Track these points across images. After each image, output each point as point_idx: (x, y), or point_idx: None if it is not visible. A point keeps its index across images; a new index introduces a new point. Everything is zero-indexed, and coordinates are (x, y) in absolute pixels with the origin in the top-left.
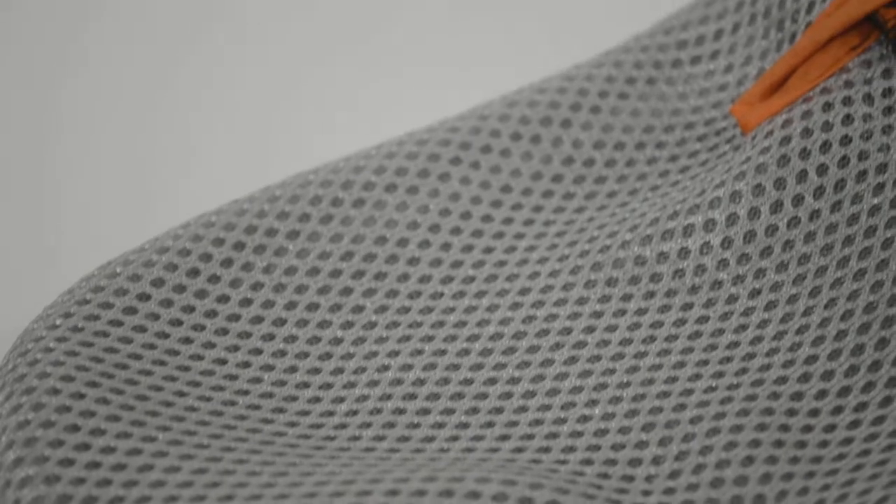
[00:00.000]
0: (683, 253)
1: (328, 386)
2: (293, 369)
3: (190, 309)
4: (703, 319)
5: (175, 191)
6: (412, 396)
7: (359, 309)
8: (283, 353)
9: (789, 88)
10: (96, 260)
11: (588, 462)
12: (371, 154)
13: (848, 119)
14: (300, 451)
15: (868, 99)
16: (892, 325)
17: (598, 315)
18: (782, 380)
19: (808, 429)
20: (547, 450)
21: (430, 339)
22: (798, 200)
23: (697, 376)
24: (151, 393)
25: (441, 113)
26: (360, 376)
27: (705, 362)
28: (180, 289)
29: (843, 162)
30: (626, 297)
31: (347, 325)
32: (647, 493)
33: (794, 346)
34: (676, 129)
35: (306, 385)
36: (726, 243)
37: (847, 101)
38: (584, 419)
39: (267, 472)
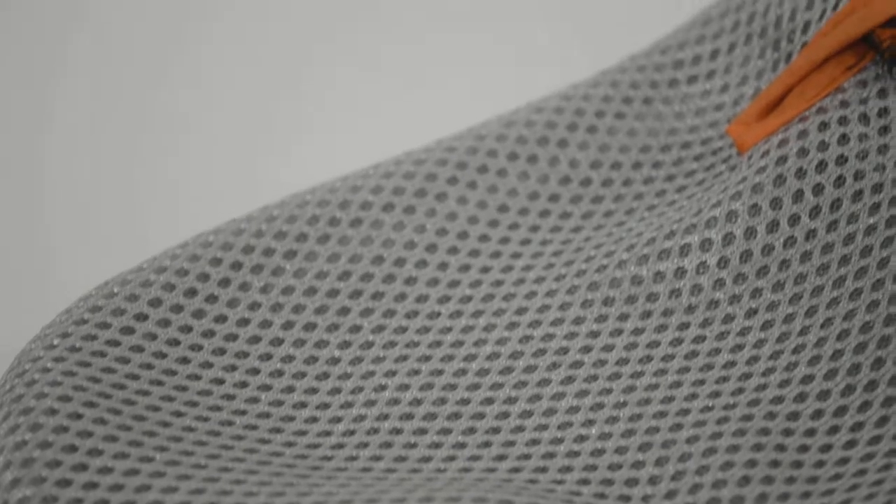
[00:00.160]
0: (680, 272)
1: (325, 406)
2: (290, 389)
3: (187, 329)
4: (699, 339)
5: (173, 208)
6: (409, 416)
7: (356, 329)
8: (280, 373)
9: (785, 108)
10: (94, 279)
11: (585, 482)
12: (368, 174)
13: (844, 138)
14: (297, 471)
15: (864, 118)
16: (888, 345)
17: (594, 335)
18: (778, 399)
19: (804, 448)
20: (544, 470)
21: (427, 358)
22: (794, 220)
23: (694, 396)
24: (149, 413)
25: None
26: (358, 396)
27: (702, 382)
28: (178, 308)
29: (840, 181)
30: (623, 317)
31: (345, 344)
32: None
33: (790, 365)
34: (673, 149)
35: (303, 405)
36: (723, 263)
37: (843, 121)
38: (581, 439)
39: (264, 492)
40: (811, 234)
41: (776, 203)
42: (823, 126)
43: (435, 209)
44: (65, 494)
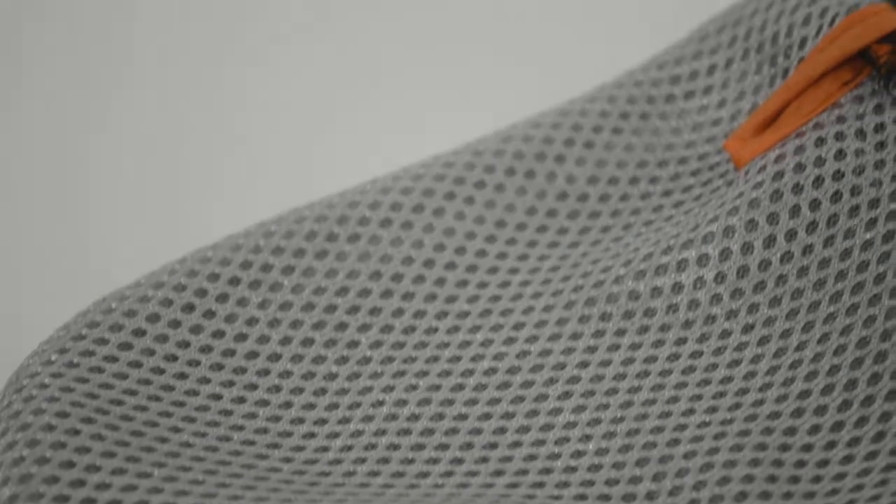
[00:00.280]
0: (677, 288)
1: (323, 421)
2: (288, 405)
3: (185, 344)
4: (696, 354)
5: (171, 222)
6: (407, 432)
7: (354, 344)
8: (277, 389)
9: (782, 124)
10: (92, 294)
11: (582, 497)
12: (366, 189)
13: (840, 154)
14: (295, 487)
15: (860, 134)
16: (885, 360)
17: (592, 350)
18: (775, 415)
19: (801, 464)
20: (541, 485)
21: (424, 374)
22: (791, 235)
23: (691, 411)
24: (146, 429)
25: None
26: (355, 411)
27: (699, 397)
28: (176, 324)
29: (836, 197)
30: (620, 332)
31: (342, 360)
32: None
33: (787, 380)
34: (670, 164)
35: (301, 420)
36: (720, 278)
37: (839, 137)
38: (579, 454)
39: None
40: (808, 250)
41: (773, 218)
42: (820, 142)
43: (432, 224)
44: None
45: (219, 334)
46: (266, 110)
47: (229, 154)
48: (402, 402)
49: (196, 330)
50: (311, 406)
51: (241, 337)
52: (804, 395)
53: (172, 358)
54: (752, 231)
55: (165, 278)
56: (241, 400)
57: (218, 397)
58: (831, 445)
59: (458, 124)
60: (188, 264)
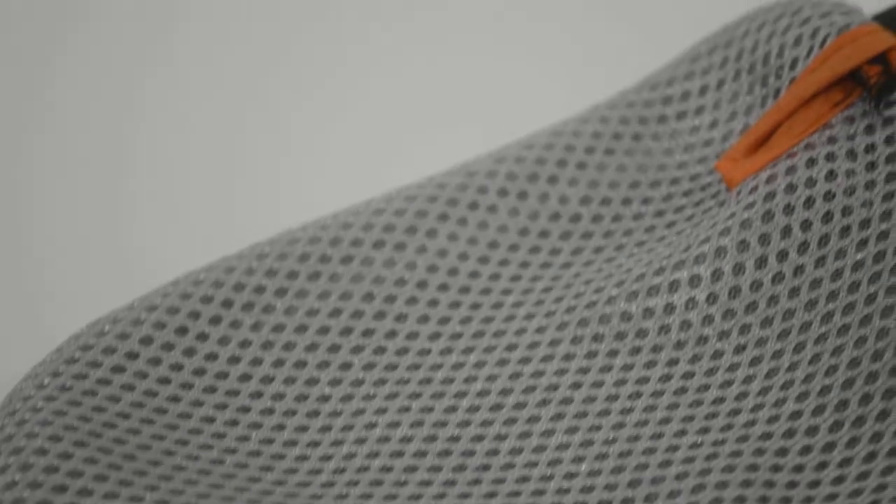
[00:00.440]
0: (669, 308)
1: (316, 444)
2: (281, 427)
3: (178, 367)
4: (688, 375)
5: (162, 245)
6: (399, 454)
7: (347, 366)
8: (270, 411)
9: (773, 144)
10: (85, 317)
11: None
12: (359, 210)
13: (831, 175)
14: None
15: (851, 155)
16: (876, 381)
17: (584, 371)
18: (767, 435)
19: (792, 485)
20: None
21: (417, 396)
22: (782, 256)
23: (683, 432)
24: (139, 452)
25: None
26: (348, 434)
27: (691, 418)
28: (169, 347)
29: (827, 217)
30: (613, 353)
31: (335, 382)
32: None
33: (778, 401)
34: (662, 185)
35: (294, 443)
36: (711, 299)
37: (830, 157)
38: (571, 476)
39: None
40: (799, 270)
41: (764, 239)
42: (811, 162)
43: (425, 246)
44: None
45: (212, 357)
46: (262, 130)
47: (230, 167)
48: (394, 424)
49: (189, 353)
50: (303, 428)
51: (234, 359)
52: (795, 415)
53: (165, 381)
54: (744, 252)
55: (158, 301)
56: (234, 423)
57: (211, 420)
58: (822, 466)
59: (460, 134)
60: (181, 287)
